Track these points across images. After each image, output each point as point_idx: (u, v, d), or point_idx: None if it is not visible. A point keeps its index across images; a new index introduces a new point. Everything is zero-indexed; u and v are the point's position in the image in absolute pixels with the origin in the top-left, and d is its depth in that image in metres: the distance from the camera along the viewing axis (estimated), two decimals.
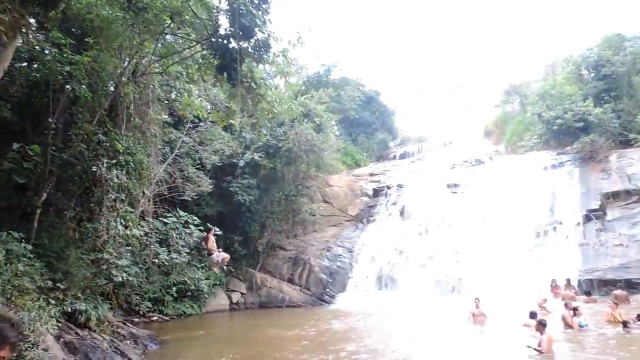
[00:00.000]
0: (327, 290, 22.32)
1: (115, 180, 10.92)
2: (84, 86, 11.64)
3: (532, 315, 11.16)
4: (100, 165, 10.86)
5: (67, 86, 11.06)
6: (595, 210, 20.18)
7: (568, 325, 11.31)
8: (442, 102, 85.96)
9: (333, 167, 27.69)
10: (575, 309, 11.65)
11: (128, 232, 11.64)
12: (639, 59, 26.90)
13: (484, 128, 39.67)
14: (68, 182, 11.23)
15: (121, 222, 11.54)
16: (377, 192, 28.45)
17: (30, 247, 9.90)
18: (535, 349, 8.88)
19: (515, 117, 34.38)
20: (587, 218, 20.00)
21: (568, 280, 17.23)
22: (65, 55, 10.60)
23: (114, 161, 11.19)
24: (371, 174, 32.48)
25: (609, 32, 28.83)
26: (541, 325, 9.12)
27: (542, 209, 21.82)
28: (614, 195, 20.58)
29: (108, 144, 11.24)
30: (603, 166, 22.62)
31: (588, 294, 15.85)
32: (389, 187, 28.18)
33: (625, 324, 10.62)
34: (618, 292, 14.25)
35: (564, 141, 25.07)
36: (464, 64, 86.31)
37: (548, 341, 8.92)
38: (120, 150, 11.35)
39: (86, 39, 11.44)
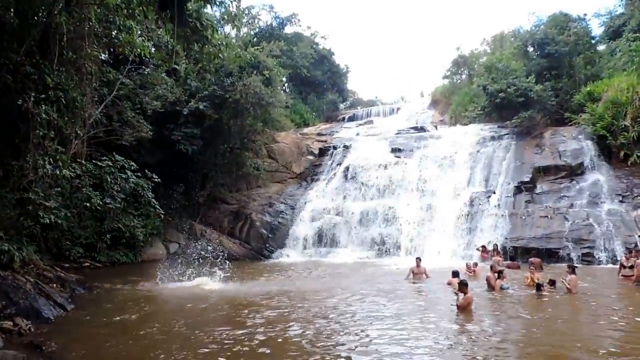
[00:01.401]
0: (267, 245, 22.50)
1: (44, 116, 10.18)
2: (11, 12, 10.63)
3: (455, 274, 11.96)
4: (27, 99, 10.07)
5: None
6: (526, 182, 21.29)
7: (491, 287, 12.01)
8: (394, 69, 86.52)
9: (280, 124, 27.40)
10: (500, 272, 12.39)
11: (57, 172, 10.99)
12: (582, 41, 28.05)
13: (431, 97, 40.36)
14: None
15: (50, 162, 10.87)
16: (323, 152, 28.55)
17: None
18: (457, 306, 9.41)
19: (462, 88, 35.15)
20: (518, 189, 21.08)
21: (495, 246, 18.27)
22: None
23: (43, 96, 10.40)
24: (319, 134, 32.52)
25: (557, 11, 29.78)
26: (463, 285, 9.62)
27: (478, 178, 22.81)
28: (545, 170, 21.79)
29: (36, 77, 10.41)
30: (538, 141, 23.74)
31: (512, 259, 16.85)
32: (335, 148, 28.36)
33: (538, 287, 11.42)
34: (533, 259, 15.28)
35: (504, 114, 25.96)
36: (418, 32, 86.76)
37: (466, 299, 9.46)
38: (50, 85, 10.56)
39: None
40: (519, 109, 24.92)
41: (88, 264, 17.51)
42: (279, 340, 7.63)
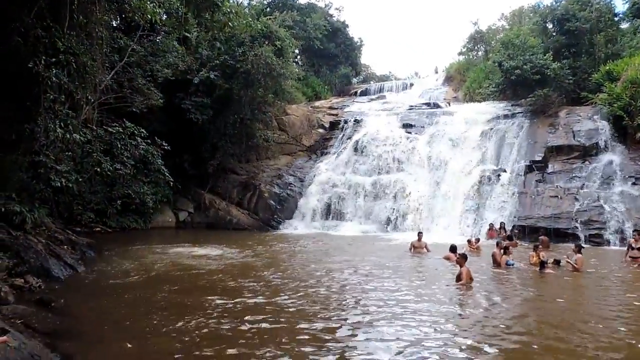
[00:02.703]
0: (275, 216, 22.68)
1: (54, 79, 10.23)
2: None
3: (453, 249, 12.16)
4: (38, 63, 10.10)
5: None
6: (538, 161, 21.05)
7: (497, 263, 12.08)
8: (409, 43, 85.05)
9: (291, 96, 27.15)
10: (506, 249, 12.45)
11: (68, 136, 11.10)
12: (604, 18, 27.19)
13: (445, 74, 39.71)
14: (1, 78, 10.46)
15: (60, 126, 10.97)
16: (333, 125, 28.41)
17: None
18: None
19: (478, 64, 34.47)
20: (530, 168, 20.87)
21: (502, 224, 18.22)
22: None
23: (54, 60, 10.43)
24: (330, 107, 32.25)
25: None
26: (462, 259, 9.70)
27: (489, 156, 22.59)
28: (558, 149, 21.47)
29: (47, 41, 10.42)
30: (552, 120, 23.32)
31: (510, 238, 16.76)
32: (346, 122, 28.17)
33: (542, 264, 11.47)
34: (543, 237, 15.22)
35: (519, 92, 25.44)
36: (436, 5, 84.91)
37: (467, 273, 9.54)
38: (61, 49, 10.57)
39: None
40: (534, 87, 24.36)
41: (99, 229, 17.88)
42: (271, 310, 7.58)
